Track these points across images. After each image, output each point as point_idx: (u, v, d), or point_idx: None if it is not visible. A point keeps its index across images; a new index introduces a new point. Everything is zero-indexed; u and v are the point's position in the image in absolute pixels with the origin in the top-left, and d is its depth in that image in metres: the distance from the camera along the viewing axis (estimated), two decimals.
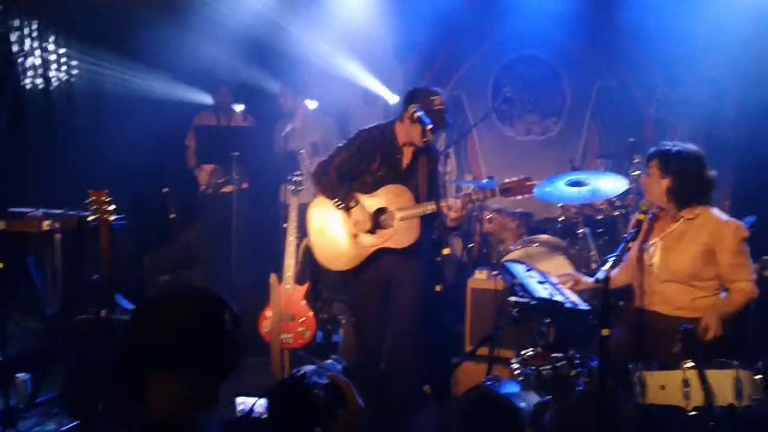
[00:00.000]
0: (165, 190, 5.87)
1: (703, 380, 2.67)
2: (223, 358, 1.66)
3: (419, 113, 3.61)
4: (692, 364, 2.74)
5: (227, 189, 5.91)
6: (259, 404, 1.77)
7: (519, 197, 3.89)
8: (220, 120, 6.19)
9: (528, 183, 3.81)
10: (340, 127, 6.44)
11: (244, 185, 6.09)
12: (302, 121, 6.17)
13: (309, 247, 4.26)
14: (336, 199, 3.94)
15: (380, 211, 3.94)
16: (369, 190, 3.95)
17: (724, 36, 5.70)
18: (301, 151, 5.76)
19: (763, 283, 4.34)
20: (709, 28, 5.77)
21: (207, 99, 6.38)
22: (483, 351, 4.05)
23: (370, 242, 3.94)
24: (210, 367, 1.64)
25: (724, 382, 2.75)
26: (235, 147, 5.65)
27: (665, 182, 3.39)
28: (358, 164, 3.95)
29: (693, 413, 2.73)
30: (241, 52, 6.33)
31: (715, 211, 3.42)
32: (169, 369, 1.60)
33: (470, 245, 5.76)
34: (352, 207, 3.91)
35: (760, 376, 2.79)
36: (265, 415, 1.75)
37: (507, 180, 3.86)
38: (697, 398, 2.72)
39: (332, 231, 4.03)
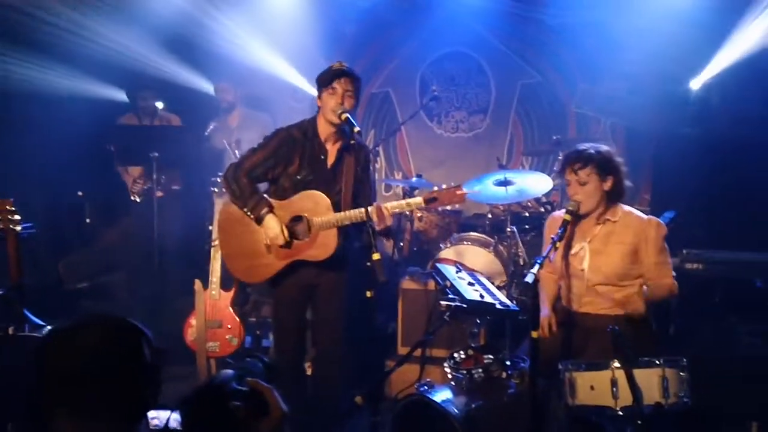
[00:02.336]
0: (79, 194, 5.60)
1: (631, 380, 2.70)
2: (139, 397, 1.52)
3: (346, 114, 3.47)
4: (620, 364, 2.76)
5: (159, 194, 5.68)
6: (174, 418, 1.63)
7: (449, 207, 3.70)
8: (142, 120, 5.94)
9: (459, 192, 3.47)
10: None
11: (175, 187, 5.89)
12: (238, 119, 6.03)
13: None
14: (246, 209, 3.55)
15: (297, 219, 3.57)
16: (287, 194, 3.59)
17: (640, 32, 5.85)
18: (231, 145, 5.58)
19: (685, 275, 4.50)
20: (625, 25, 5.92)
21: (124, 97, 6.12)
22: (416, 351, 4.01)
23: (284, 254, 3.57)
24: (125, 406, 1.50)
25: (650, 380, 2.79)
26: (156, 148, 5.45)
27: (608, 183, 3.38)
28: (273, 167, 3.59)
29: (621, 413, 2.76)
30: (162, 48, 6.11)
31: (634, 210, 3.48)
32: (77, 411, 1.45)
33: (401, 244, 5.73)
34: (263, 219, 3.51)
35: (684, 374, 2.84)
36: (180, 429, 1.63)
37: (435, 189, 3.53)
38: (625, 398, 2.75)
39: (244, 240, 3.63)
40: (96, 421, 1.46)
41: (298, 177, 3.58)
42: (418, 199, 3.53)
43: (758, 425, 4.01)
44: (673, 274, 3.42)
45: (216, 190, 4.85)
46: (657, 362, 2.83)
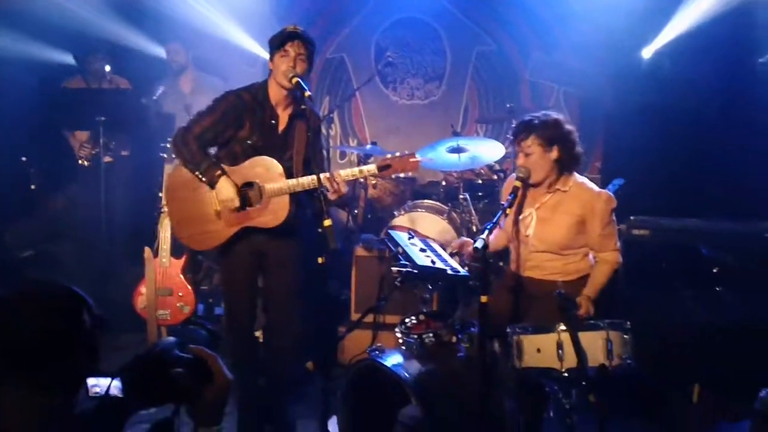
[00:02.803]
0: (23, 159, 5.44)
1: (576, 343, 2.76)
2: (78, 365, 1.48)
3: (297, 78, 3.41)
4: (565, 327, 2.81)
5: (107, 159, 5.57)
6: (115, 385, 1.59)
7: (402, 175, 3.66)
8: (90, 84, 5.77)
9: (412, 160, 3.47)
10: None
11: (124, 152, 5.77)
12: (192, 84, 5.90)
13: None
14: (198, 173, 3.45)
15: (248, 185, 3.49)
16: (238, 160, 3.50)
17: (593, 2, 5.89)
18: (182, 111, 5.48)
19: (632, 242, 4.60)
20: None
21: (71, 60, 5.94)
22: (369, 318, 4.03)
23: (234, 220, 3.49)
24: (64, 375, 1.45)
25: (595, 343, 2.85)
26: (104, 112, 5.31)
27: (553, 154, 3.36)
28: (223, 132, 3.48)
29: (566, 375, 2.82)
30: (111, 9, 5.93)
31: (587, 182, 3.48)
32: (14, 382, 1.41)
33: (355, 211, 5.73)
34: (217, 182, 3.43)
35: (628, 336, 2.91)
36: (121, 396, 1.59)
37: (389, 156, 3.53)
38: (570, 360, 2.81)
39: (192, 206, 3.53)
40: (33, 391, 1.42)
41: (249, 142, 3.49)
42: (372, 167, 3.51)
43: (700, 388, 4.15)
44: (618, 246, 3.44)
45: (165, 155, 4.77)
46: (601, 325, 2.90)
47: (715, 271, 4.76)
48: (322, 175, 3.36)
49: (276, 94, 3.51)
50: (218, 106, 3.50)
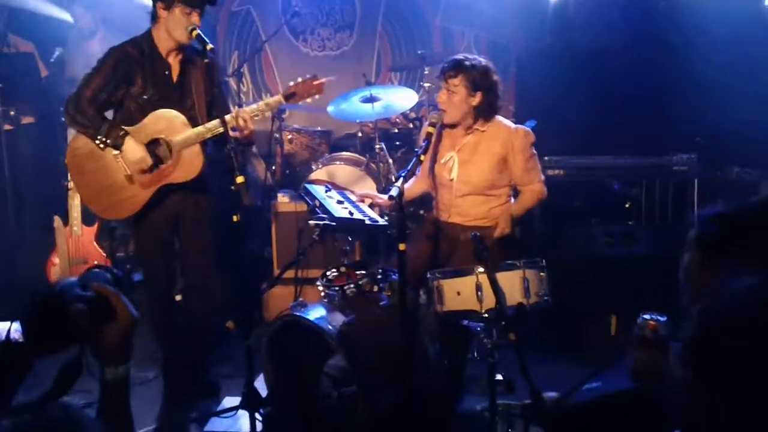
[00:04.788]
0: None
1: (493, 283, 2.79)
2: None
3: (197, 31, 3.26)
4: (483, 269, 2.85)
5: (7, 127, 5.30)
6: (15, 329, 1.53)
7: (310, 99, 3.56)
8: None
9: (315, 82, 3.43)
10: None
11: (27, 120, 5.51)
12: (101, 46, 5.60)
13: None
14: (100, 137, 3.28)
15: (153, 143, 3.35)
16: (135, 119, 3.35)
17: None
18: None
19: (547, 182, 4.65)
20: None
21: None
22: (291, 274, 4.00)
23: (149, 181, 3.36)
24: None
25: (512, 282, 2.90)
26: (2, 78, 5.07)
27: (475, 99, 3.39)
28: (115, 90, 3.33)
29: (486, 315, 2.87)
30: None
31: (504, 120, 3.53)
32: None
33: (273, 167, 5.64)
34: (122, 143, 3.27)
35: (544, 274, 2.98)
36: (21, 340, 1.53)
37: (291, 83, 3.45)
38: (489, 301, 2.84)
39: (100, 176, 3.39)
40: None
41: (145, 97, 3.36)
42: (277, 98, 3.47)
43: (617, 319, 4.32)
44: (542, 179, 3.55)
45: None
46: (518, 264, 2.94)
47: (627, 205, 4.93)
48: (227, 116, 3.27)
49: (167, 45, 3.37)
50: (104, 65, 3.35)
